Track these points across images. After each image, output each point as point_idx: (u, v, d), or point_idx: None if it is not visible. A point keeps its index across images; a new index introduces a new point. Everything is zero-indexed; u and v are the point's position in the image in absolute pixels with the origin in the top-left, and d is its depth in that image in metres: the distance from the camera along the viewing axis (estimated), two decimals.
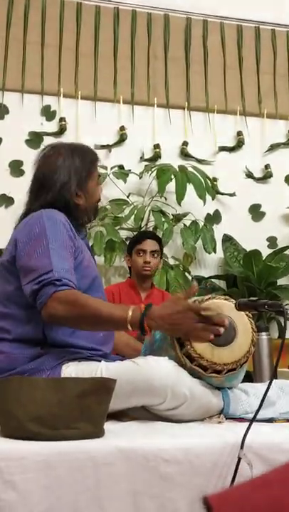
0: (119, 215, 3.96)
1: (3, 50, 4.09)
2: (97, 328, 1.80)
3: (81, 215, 1.99)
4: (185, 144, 4.34)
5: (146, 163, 4.20)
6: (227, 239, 4.25)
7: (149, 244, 3.44)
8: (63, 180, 1.95)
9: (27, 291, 1.74)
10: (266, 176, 4.47)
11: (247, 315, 1.78)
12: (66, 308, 1.68)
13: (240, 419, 1.73)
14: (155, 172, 4.06)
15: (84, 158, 2.02)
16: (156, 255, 3.45)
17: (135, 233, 3.84)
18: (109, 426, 1.50)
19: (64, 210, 1.92)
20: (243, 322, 1.76)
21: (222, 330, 1.64)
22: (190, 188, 3.95)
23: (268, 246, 4.34)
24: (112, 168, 4.00)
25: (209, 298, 1.79)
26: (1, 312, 1.87)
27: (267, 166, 4.48)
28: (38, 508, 1.26)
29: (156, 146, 4.27)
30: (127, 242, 3.78)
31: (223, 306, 1.76)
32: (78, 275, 1.84)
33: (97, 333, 1.89)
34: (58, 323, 1.76)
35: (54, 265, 1.73)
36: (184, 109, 4.38)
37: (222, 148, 4.44)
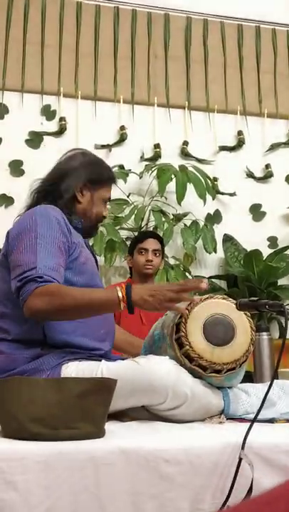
0: (120, 215, 3.95)
1: (3, 49, 4.09)
2: (82, 315, 1.78)
3: (79, 215, 1.99)
4: (185, 143, 4.34)
5: (147, 162, 4.20)
6: (227, 239, 4.25)
7: (151, 243, 3.44)
8: (71, 171, 1.98)
9: (12, 288, 1.75)
10: (267, 176, 4.47)
11: (246, 314, 1.77)
12: (46, 300, 1.67)
13: (241, 420, 1.72)
14: (155, 172, 4.05)
15: (101, 168, 2.07)
16: (158, 254, 3.45)
17: (135, 233, 3.84)
18: (109, 426, 1.50)
19: (63, 203, 1.93)
20: (241, 321, 1.76)
21: (203, 284, 1.63)
22: (190, 188, 3.95)
23: (269, 246, 4.34)
24: (112, 168, 3.99)
25: (208, 297, 1.78)
26: (0, 312, 1.87)
27: (267, 166, 4.47)
28: (39, 508, 1.26)
29: (157, 146, 4.26)
30: (128, 242, 3.78)
31: (222, 305, 1.76)
32: (74, 271, 1.84)
33: (98, 331, 1.88)
34: (39, 317, 1.75)
35: (38, 262, 1.73)
36: (184, 108, 4.38)
37: (222, 148, 4.44)
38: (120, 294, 1.65)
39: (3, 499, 1.25)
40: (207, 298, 1.78)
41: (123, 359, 1.87)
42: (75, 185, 1.98)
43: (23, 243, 1.78)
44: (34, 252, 1.75)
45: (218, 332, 1.69)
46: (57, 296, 1.68)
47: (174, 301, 1.64)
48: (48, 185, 2.00)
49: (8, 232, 1.88)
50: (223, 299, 1.80)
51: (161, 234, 3.86)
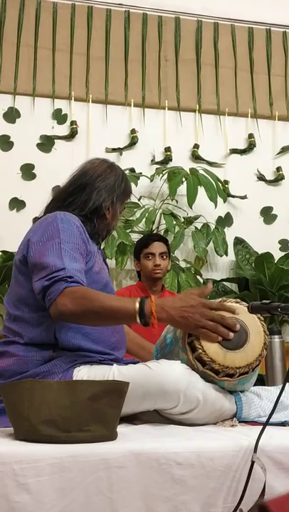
0: (131, 218, 3.96)
1: (14, 54, 4.12)
2: (107, 322, 1.77)
3: (102, 229, 2.01)
4: (196, 146, 4.34)
5: (158, 166, 4.20)
6: (238, 242, 4.24)
7: (157, 247, 3.43)
8: (107, 188, 2.00)
9: (37, 288, 1.73)
10: (278, 179, 4.46)
11: (259, 318, 1.77)
12: (76, 302, 1.66)
13: (253, 423, 1.72)
14: (166, 175, 4.06)
15: (127, 183, 2.10)
16: (164, 257, 3.44)
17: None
18: (121, 429, 1.50)
19: (89, 216, 1.94)
20: (254, 325, 1.75)
21: (232, 335, 1.64)
22: (201, 191, 3.95)
23: (280, 249, 4.33)
24: None
25: (220, 301, 1.78)
26: (13, 314, 1.87)
27: (278, 169, 4.46)
28: (52, 510, 1.26)
29: (168, 149, 4.27)
30: None
31: (234, 308, 1.75)
32: (89, 280, 1.84)
33: (110, 338, 1.88)
34: (67, 319, 1.74)
35: (66, 264, 1.72)
36: (195, 111, 4.39)
37: (233, 151, 4.44)
38: (139, 308, 1.65)
39: (16, 501, 1.25)
40: (220, 301, 1.77)
41: (135, 363, 1.87)
42: (107, 204, 1.99)
43: (47, 248, 1.77)
44: (60, 256, 1.74)
45: (236, 333, 1.68)
46: (85, 299, 1.67)
47: (214, 320, 1.64)
48: (77, 194, 1.98)
49: (28, 239, 1.86)
50: (236, 302, 1.79)
51: (172, 237, 3.87)
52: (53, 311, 1.70)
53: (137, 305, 1.65)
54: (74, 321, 1.75)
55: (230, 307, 1.70)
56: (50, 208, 1.98)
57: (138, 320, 1.65)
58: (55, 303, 1.68)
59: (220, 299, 1.79)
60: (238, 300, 1.82)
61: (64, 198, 1.98)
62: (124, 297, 1.83)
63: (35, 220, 1.98)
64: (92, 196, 1.97)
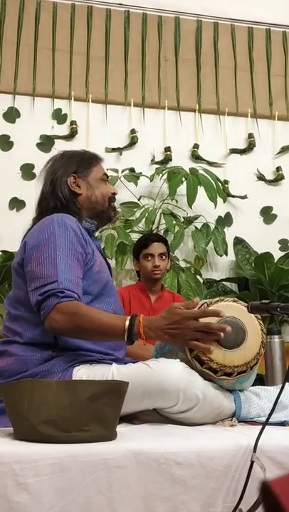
0: (131, 218, 3.96)
1: (14, 54, 4.12)
2: (98, 339, 1.80)
3: (88, 208, 2.00)
4: (196, 146, 4.34)
5: (157, 165, 4.20)
6: (238, 241, 4.24)
7: (156, 248, 3.42)
8: (58, 167, 2.01)
9: (32, 300, 1.76)
10: (278, 179, 4.46)
11: (256, 317, 1.77)
12: (67, 319, 1.69)
13: (253, 423, 1.72)
14: (166, 175, 4.06)
15: (74, 155, 2.08)
16: (164, 257, 3.43)
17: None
18: (121, 429, 1.50)
19: (68, 208, 1.94)
20: (252, 324, 1.75)
21: (222, 335, 1.65)
22: (201, 191, 3.94)
23: (280, 248, 4.32)
24: (123, 171, 4.00)
25: (218, 300, 1.78)
26: (13, 315, 1.88)
27: (278, 169, 4.46)
28: (51, 510, 1.26)
29: (167, 149, 4.27)
30: None
31: (232, 308, 1.75)
32: (89, 280, 1.84)
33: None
34: (59, 334, 1.78)
35: (59, 275, 1.74)
36: (194, 111, 4.38)
37: (233, 151, 4.43)
38: (128, 327, 1.67)
39: (15, 501, 1.25)
40: (217, 301, 1.78)
41: (134, 362, 1.87)
42: (67, 183, 1.99)
43: (42, 254, 1.78)
44: (54, 265, 1.76)
45: (229, 335, 1.69)
46: (77, 317, 1.70)
47: (200, 330, 1.65)
48: (44, 199, 2.01)
49: (25, 242, 1.87)
50: (234, 301, 1.80)
51: (172, 237, 3.86)
52: (46, 326, 1.74)
53: (127, 324, 1.67)
54: (67, 335, 1.78)
55: (214, 311, 1.70)
56: (36, 216, 2.00)
57: (126, 339, 1.68)
58: (48, 318, 1.71)
59: (217, 299, 1.78)
60: (236, 299, 1.82)
61: (41, 204, 2.01)
62: (115, 315, 1.83)
63: (34, 222, 1.97)
64: (53, 186, 1.99)
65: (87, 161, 2.06)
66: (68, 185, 1.99)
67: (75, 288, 1.75)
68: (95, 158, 2.09)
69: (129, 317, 1.69)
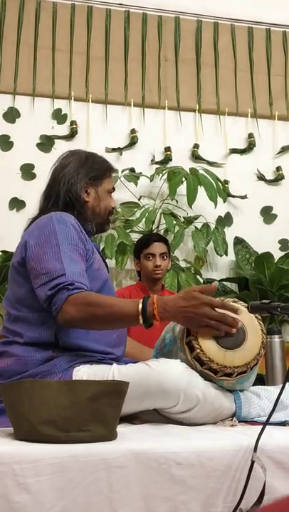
0: (131, 218, 3.96)
1: (14, 54, 4.12)
2: (112, 326, 1.79)
3: (90, 216, 2.00)
4: (196, 146, 4.34)
5: (157, 165, 4.20)
6: (238, 241, 4.24)
7: (157, 248, 3.42)
8: (70, 175, 1.99)
9: (41, 296, 1.75)
10: (278, 178, 4.46)
11: (256, 317, 1.77)
12: (80, 309, 1.68)
13: (253, 423, 1.72)
14: (166, 175, 4.06)
15: (96, 162, 2.06)
16: (165, 257, 3.43)
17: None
18: (121, 429, 1.50)
19: (72, 208, 1.94)
20: (252, 324, 1.75)
21: (234, 330, 1.65)
22: (201, 191, 3.94)
23: (280, 248, 4.32)
24: (123, 171, 4.00)
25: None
26: (13, 315, 1.87)
27: (278, 168, 4.46)
28: (51, 510, 1.26)
29: (167, 149, 4.27)
30: None
31: (237, 308, 1.75)
32: (89, 277, 1.84)
33: (110, 336, 1.88)
34: (74, 325, 1.76)
35: (66, 268, 1.73)
36: (194, 111, 4.39)
37: (233, 151, 4.44)
38: (141, 309, 1.66)
39: (16, 501, 1.25)
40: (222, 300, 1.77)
41: (134, 362, 1.87)
42: (79, 188, 1.98)
43: (46, 251, 1.78)
44: (59, 259, 1.75)
45: (229, 335, 1.69)
46: (90, 306, 1.69)
47: (215, 319, 1.65)
48: (52, 193, 2.00)
49: (25, 241, 1.86)
50: (234, 302, 1.79)
51: (172, 237, 3.86)
52: (60, 320, 1.72)
53: (140, 306, 1.66)
54: (81, 327, 1.77)
55: (232, 306, 1.70)
56: (38, 213, 1.99)
57: (141, 321, 1.66)
58: (61, 312, 1.70)
59: (217, 299, 1.78)
60: (236, 299, 1.82)
61: (44, 202, 2.00)
62: (125, 299, 1.83)
63: (31, 222, 1.97)
64: (62, 188, 1.97)
65: (103, 171, 2.06)
66: (79, 192, 1.98)
67: (83, 279, 1.75)
68: (111, 169, 2.10)
69: (141, 299, 1.68)
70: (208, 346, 1.69)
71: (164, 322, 1.70)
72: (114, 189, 2.10)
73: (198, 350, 1.70)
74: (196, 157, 4.33)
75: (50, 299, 1.72)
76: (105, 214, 2.05)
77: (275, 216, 4.42)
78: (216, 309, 1.66)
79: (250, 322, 1.74)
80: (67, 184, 1.98)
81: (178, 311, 1.65)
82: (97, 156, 2.10)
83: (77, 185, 1.98)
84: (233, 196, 4.31)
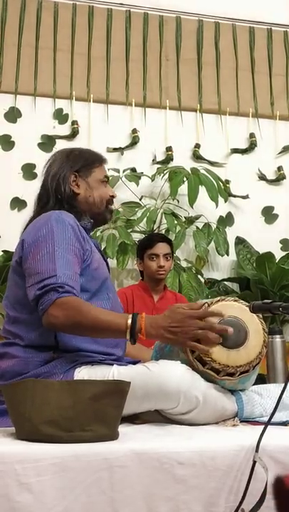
0: (132, 218, 3.96)
1: (15, 54, 4.12)
2: (96, 335, 1.79)
3: (85, 207, 1.99)
4: (197, 146, 4.34)
5: (159, 165, 4.20)
6: (240, 241, 4.24)
7: (161, 248, 3.42)
8: (55, 172, 1.99)
9: (30, 295, 1.74)
10: (279, 178, 4.46)
11: (258, 316, 1.77)
12: (66, 315, 1.67)
13: (255, 422, 1.72)
14: (167, 174, 4.06)
15: (81, 155, 2.06)
16: (168, 258, 3.44)
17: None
18: (122, 428, 1.50)
19: (64, 204, 1.94)
20: (254, 323, 1.75)
21: (230, 330, 1.66)
22: (202, 191, 3.94)
23: (281, 248, 4.32)
24: (124, 171, 4.01)
25: (219, 300, 1.78)
26: (13, 317, 1.86)
27: (280, 168, 4.46)
28: (53, 510, 1.26)
29: (169, 149, 4.27)
30: None
31: (234, 307, 1.75)
32: (87, 277, 1.84)
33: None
34: (58, 330, 1.76)
35: (58, 270, 1.72)
36: (196, 111, 4.39)
37: (234, 151, 4.44)
38: (130, 325, 1.67)
39: (17, 501, 1.25)
40: (218, 300, 1.77)
41: (134, 363, 1.87)
42: (67, 182, 1.98)
43: (41, 250, 1.77)
44: (52, 260, 1.74)
45: (231, 335, 1.69)
46: (77, 313, 1.68)
47: (202, 329, 1.65)
48: (43, 193, 2.00)
49: (22, 240, 1.86)
50: (235, 301, 1.79)
51: (173, 237, 3.86)
52: (44, 322, 1.71)
53: (129, 322, 1.67)
54: (65, 331, 1.77)
55: (217, 311, 1.70)
56: (35, 211, 1.99)
57: (128, 337, 1.67)
58: (46, 314, 1.69)
59: (218, 298, 1.78)
60: (236, 298, 1.82)
61: (38, 203, 2.00)
62: (115, 313, 1.83)
63: (28, 223, 1.96)
64: (51, 186, 1.98)
65: (90, 161, 2.05)
66: (68, 186, 1.99)
67: (73, 283, 1.74)
68: (99, 159, 2.08)
69: (130, 315, 1.69)
70: (207, 348, 1.69)
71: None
72: (107, 177, 2.08)
73: None
74: (197, 157, 4.33)
75: (38, 299, 1.71)
76: (102, 203, 2.03)
77: (276, 216, 4.42)
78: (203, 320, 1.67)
79: (251, 321, 1.74)
80: (55, 181, 1.98)
81: (164, 329, 1.67)
82: (82, 149, 2.10)
83: (64, 180, 1.98)
84: (235, 196, 4.31)
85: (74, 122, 4.15)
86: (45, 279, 1.71)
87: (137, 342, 1.71)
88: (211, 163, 4.32)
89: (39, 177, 3.91)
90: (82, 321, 1.68)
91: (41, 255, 1.76)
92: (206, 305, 1.74)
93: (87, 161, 2.04)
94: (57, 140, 4.12)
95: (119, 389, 1.44)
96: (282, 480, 0.64)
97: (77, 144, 4.05)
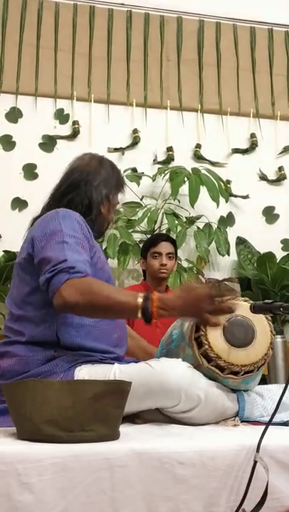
0: (133, 218, 3.96)
1: (16, 54, 4.12)
2: (108, 315, 1.76)
3: (100, 224, 2.00)
4: (198, 146, 4.34)
5: (160, 165, 4.20)
6: (240, 241, 4.24)
7: (165, 247, 3.44)
8: (99, 183, 1.98)
9: (42, 281, 1.71)
10: (280, 178, 4.46)
11: (266, 317, 1.77)
12: (78, 294, 1.63)
13: (256, 422, 1.72)
14: (168, 175, 4.06)
15: (119, 175, 2.08)
16: (171, 257, 3.45)
17: (149, 236, 3.84)
18: (123, 428, 1.50)
19: (87, 213, 1.93)
20: (261, 324, 1.75)
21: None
22: (203, 191, 3.94)
23: (282, 248, 4.32)
24: (125, 171, 4.00)
25: (229, 299, 1.78)
26: (16, 314, 1.86)
27: (280, 168, 4.46)
28: (54, 510, 1.26)
29: (170, 149, 4.27)
30: (141, 245, 3.78)
31: (243, 307, 1.75)
32: (92, 276, 1.83)
33: (111, 336, 1.88)
34: (69, 310, 1.71)
35: (68, 255, 1.70)
36: (197, 111, 4.39)
37: (235, 151, 4.44)
38: (142, 304, 1.64)
39: (18, 501, 1.25)
40: (229, 299, 1.77)
41: (136, 361, 1.87)
42: (102, 197, 1.98)
43: (50, 243, 1.75)
44: (62, 250, 1.72)
45: (238, 333, 1.69)
46: (91, 291, 1.65)
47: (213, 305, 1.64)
48: (70, 191, 1.97)
49: (32, 236, 1.84)
50: (245, 301, 1.79)
51: (174, 237, 3.86)
52: (56, 302, 1.67)
53: (140, 301, 1.64)
54: (77, 312, 1.72)
55: (229, 304, 1.69)
56: (47, 207, 1.97)
57: (140, 315, 1.64)
58: (58, 293, 1.65)
59: (229, 297, 1.77)
60: (246, 298, 1.81)
61: (59, 198, 1.97)
62: (127, 291, 1.81)
63: (34, 220, 1.96)
64: (85, 193, 1.96)
65: (120, 185, 2.07)
66: (101, 201, 1.98)
67: (85, 266, 1.71)
68: (123, 185, 2.11)
69: (142, 294, 1.65)
70: (217, 343, 1.69)
71: (164, 321, 1.70)
72: (118, 203, 2.11)
73: (207, 346, 1.70)
74: (198, 157, 4.33)
75: (49, 281, 1.68)
76: (107, 226, 2.06)
77: (277, 216, 4.42)
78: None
79: (259, 322, 1.74)
80: (94, 189, 1.96)
81: (176, 309, 1.64)
82: (117, 168, 2.11)
83: (102, 194, 1.97)
84: (235, 196, 4.31)
85: (75, 122, 4.16)
86: (56, 264, 1.69)
87: (145, 337, 1.70)
88: (212, 164, 4.32)
89: (40, 177, 3.99)
90: (95, 299, 1.65)
91: (51, 246, 1.74)
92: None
93: (118, 184, 2.05)
94: (58, 140, 4.12)
95: (120, 389, 1.44)
96: None
97: (78, 144, 4.06)
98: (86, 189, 1.96)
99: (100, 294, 1.65)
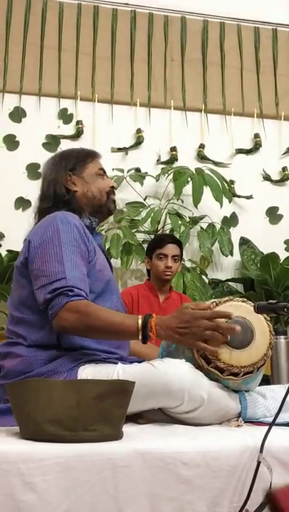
0: (136, 218, 3.96)
1: (20, 54, 4.13)
2: (108, 338, 1.80)
3: (85, 203, 2.00)
4: (202, 146, 4.34)
5: (163, 165, 4.20)
6: (244, 242, 4.24)
7: (171, 249, 3.43)
8: (50, 175, 2.04)
9: (39, 298, 1.75)
10: (283, 179, 4.46)
11: (265, 318, 1.76)
12: (77, 318, 1.68)
13: (259, 423, 1.72)
14: (172, 175, 4.06)
15: (71, 154, 2.09)
16: (176, 260, 3.45)
17: (152, 236, 3.83)
18: (126, 428, 1.50)
19: (64, 203, 1.95)
20: (260, 325, 1.75)
21: (238, 328, 1.65)
22: (207, 191, 3.94)
23: (286, 249, 4.32)
24: (128, 171, 4.01)
25: (227, 300, 1.78)
26: (15, 317, 1.87)
27: (284, 169, 4.46)
28: (57, 509, 1.26)
29: (173, 149, 4.27)
30: (144, 245, 3.78)
31: (241, 308, 1.75)
32: (91, 279, 1.84)
33: None
34: (69, 333, 1.77)
35: (67, 272, 1.73)
36: (200, 111, 4.39)
37: (239, 151, 4.43)
38: (141, 326, 1.67)
39: (22, 500, 1.25)
40: (227, 300, 1.77)
41: (139, 362, 1.87)
42: (62, 182, 2.00)
43: (48, 252, 1.77)
44: (60, 262, 1.74)
45: (237, 335, 1.68)
46: (87, 316, 1.69)
47: (210, 329, 1.65)
48: (43, 197, 2.03)
49: (29, 241, 1.86)
50: (243, 301, 1.79)
51: (177, 237, 3.86)
52: (55, 325, 1.73)
53: (140, 323, 1.67)
54: (76, 335, 1.78)
55: (225, 313, 1.69)
56: (37, 215, 2.02)
57: (140, 338, 1.68)
58: (57, 317, 1.70)
59: (226, 298, 1.78)
60: (245, 299, 1.81)
61: (42, 204, 2.02)
62: (124, 314, 1.83)
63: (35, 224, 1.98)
64: (48, 189, 2.01)
65: (82, 158, 2.07)
66: (64, 184, 2.00)
67: (83, 286, 1.75)
68: (91, 154, 2.10)
69: (141, 316, 1.69)
70: (216, 348, 1.69)
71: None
72: (103, 170, 2.09)
73: None
74: (201, 157, 4.33)
75: (48, 303, 1.72)
76: (102, 195, 2.05)
77: (280, 216, 4.42)
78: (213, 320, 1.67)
79: (258, 322, 1.74)
80: (52, 184, 2.01)
81: (172, 330, 1.66)
82: (74, 149, 2.14)
83: (58, 181, 2.01)
84: (239, 196, 4.31)
85: (78, 122, 4.16)
86: (54, 281, 1.72)
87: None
88: (216, 164, 4.32)
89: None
90: (94, 324, 1.69)
91: (48, 257, 1.76)
92: (214, 304, 1.74)
93: (79, 158, 2.07)
94: (61, 140, 4.12)
95: (123, 389, 1.44)
96: (273, 494, 0.64)
97: (81, 143, 4.05)
98: (48, 187, 2.02)
99: (98, 318, 1.69)
